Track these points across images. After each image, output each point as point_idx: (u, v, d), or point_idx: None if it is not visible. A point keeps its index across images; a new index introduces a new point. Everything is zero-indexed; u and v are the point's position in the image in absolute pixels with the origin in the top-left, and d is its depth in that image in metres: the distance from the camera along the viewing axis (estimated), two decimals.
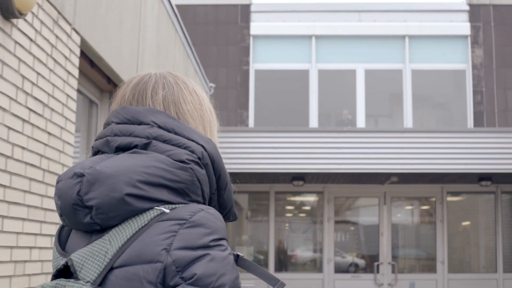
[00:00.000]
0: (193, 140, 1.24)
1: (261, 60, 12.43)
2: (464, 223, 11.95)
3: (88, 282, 1.12)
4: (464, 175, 10.02)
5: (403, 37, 12.36)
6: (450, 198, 11.59)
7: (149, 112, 1.26)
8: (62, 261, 1.19)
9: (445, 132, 9.59)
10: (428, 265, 11.42)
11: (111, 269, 1.13)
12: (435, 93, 12.76)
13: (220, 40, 12.34)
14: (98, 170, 1.17)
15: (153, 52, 5.70)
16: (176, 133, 1.24)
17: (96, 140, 1.29)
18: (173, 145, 1.22)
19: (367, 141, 9.43)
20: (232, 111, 12.17)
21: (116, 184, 1.15)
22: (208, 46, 12.27)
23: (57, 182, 1.24)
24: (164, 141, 1.23)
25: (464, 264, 11.73)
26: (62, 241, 1.28)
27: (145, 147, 1.22)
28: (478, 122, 11.86)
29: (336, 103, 12.53)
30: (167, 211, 1.15)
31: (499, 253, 11.18)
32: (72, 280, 1.13)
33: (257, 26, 12.40)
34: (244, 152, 9.47)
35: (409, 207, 11.76)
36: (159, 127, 1.24)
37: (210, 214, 1.17)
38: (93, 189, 1.16)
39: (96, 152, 1.29)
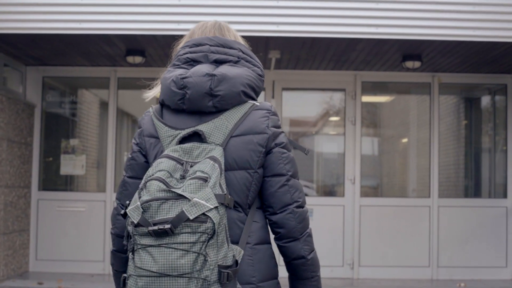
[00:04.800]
0: (258, 62, 2.03)
1: None
2: (389, 133, 8.69)
3: (217, 144, 1.85)
4: (379, 46, 6.71)
5: None
6: (368, 98, 8.32)
7: (235, 42, 2.02)
8: (183, 132, 1.87)
9: None
10: (334, 186, 8.24)
11: (231, 137, 1.87)
12: None
13: None
14: (224, 73, 1.89)
15: None
16: (251, 57, 2.01)
17: (185, 54, 2.00)
18: (252, 64, 2.00)
19: None
20: None
21: (235, 83, 1.89)
22: None
23: (183, 78, 1.89)
24: (247, 61, 1.99)
25: (385, 186, 8.55)
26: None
27: (236, 63, 1.97)
28: None
29: None
30: (258, 103, 1.94)
31: (434, 174, 7.98)
32: (205, 143, 1.85)
33: None
34: None
35: (307, 102, 8.45)
36: (242, 52, 2.00)
37: (274, 107, 2.02)
38: (220, 84, 1.87)
39: (188, 60, 1.98)
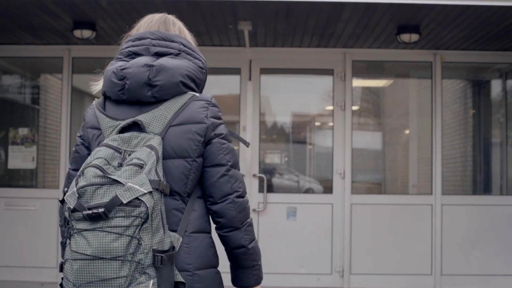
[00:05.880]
0: (200, 56, 2.08)
1: None
2: (386, 122, 7.66)
3: (156, 134, 1.89)
4: (368, 14, 5.70)
5: None
6: (361, 82, 7.30)
7: (177, 36, 2.07)
8: (123, 122, 1.91)
9: None
10: (322, 182, 7.22)
11: (170, 126, 1.91)
12: None
13: None
14: (163, 64, 1.94)
15: None
16: (192, 50, 2.06)
17: (127, 47, 2.04)
18: (193, 57, 2.05)
19: None
20: None
21: (174, 74, 1.94)
22: None
23: (123, 69, 1.94)
24: (188, 54, 2.04)
25: (381, 181, 7.52)
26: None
27: (177, 55, 2.02)
28: None
29: None
30: (198, 95, 1.99)
31: (437, 168, 6.93)
32: (144, 132, 1.89)
33: None
34: None
35: (291, 86, 7.42)
36: (184, 45, 2.06)
37: (215, 99, 2.03)
38: (159, 75, 1.92)
39: (130, 54, 2.02)
